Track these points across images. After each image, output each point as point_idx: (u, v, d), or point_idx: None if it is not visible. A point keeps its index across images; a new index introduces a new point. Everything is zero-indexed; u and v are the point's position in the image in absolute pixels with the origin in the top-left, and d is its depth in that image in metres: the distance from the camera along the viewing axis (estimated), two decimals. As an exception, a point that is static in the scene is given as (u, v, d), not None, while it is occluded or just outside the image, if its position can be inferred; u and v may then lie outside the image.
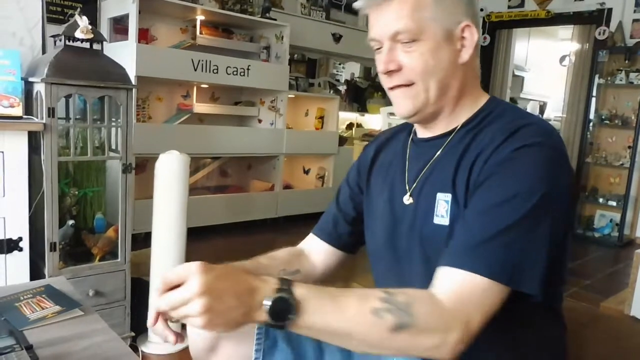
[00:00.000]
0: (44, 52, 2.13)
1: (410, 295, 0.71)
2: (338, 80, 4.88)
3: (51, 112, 1.60)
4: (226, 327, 0.66)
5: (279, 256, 1.02)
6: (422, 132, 0.95)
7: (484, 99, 0.90)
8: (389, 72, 0.85)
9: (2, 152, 1.54)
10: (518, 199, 0.74)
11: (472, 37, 0.85)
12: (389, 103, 4.54)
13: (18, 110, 1.60)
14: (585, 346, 0.98)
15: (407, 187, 0.92)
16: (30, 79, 1.69)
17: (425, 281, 0.84)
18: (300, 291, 0.67)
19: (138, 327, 1.92)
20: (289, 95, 3.94)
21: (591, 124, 4.48)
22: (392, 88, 0.87)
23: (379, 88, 5.15)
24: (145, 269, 1.98)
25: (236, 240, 3.45)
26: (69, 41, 1.71)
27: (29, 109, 1.74)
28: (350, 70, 5.05)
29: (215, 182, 4.05)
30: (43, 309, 0.99)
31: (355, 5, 0.88)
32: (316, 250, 1.08)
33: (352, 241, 1.09)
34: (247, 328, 0.97)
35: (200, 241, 3.20)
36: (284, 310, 0.66)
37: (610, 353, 1.09)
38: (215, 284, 0.64)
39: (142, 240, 2.55)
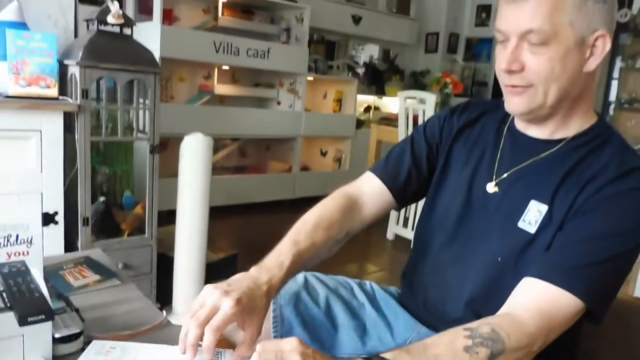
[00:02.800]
0: (76, 33, 2.22)
1: (493, 324, 0.72)
2: (357, 63, 4.90)
3: (85, 93, 1.69)
4: None
5: (334, 221, 0.96)
6: (523, 127, 0.92)
7: (593, 117, 0.89)
8: (510, 72, 0.82)
9: (40, 130, 1.63)
10: (624, 237, 0.78)
11: (604, 47, 0.81)
12: (406, 87, 4.53)
13: (54, 92, 1.69)
14: (591, 326, 1.03)
15: (494, 175, 0.92)
16: (65, 62, 1.77)
17: (481, 273, 0.88)
18: (391, 355, 0.67)
19: (163, 299, 2.04)
20: (308, 78, 3.98)
21: (611, 107, 4.46)
22: (508, 86, 0.85)
23: (397, 71, 5.16)
24: (169, 245, 2.07)
25: (255, 220, 3.55)
26: (100, 25, 1.79)
27: (62, 89, 1.83)
28: (369, 53, 5.05)
29: (235, 162, 4.14)
30: (84, 277, 1.09)
31: None
32: (373, 200, 1.02)
33: (411, 199, 1.06)
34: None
35: (221, 220, 3.30)
36: None
37: (616, 332, 1.14)
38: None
39: (164, 217, 2.65)
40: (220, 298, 0.71)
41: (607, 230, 0.78)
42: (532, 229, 0.83)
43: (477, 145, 0.97)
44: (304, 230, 0.92)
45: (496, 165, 0.92)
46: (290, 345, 0.63)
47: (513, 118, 0.95)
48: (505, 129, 0.95)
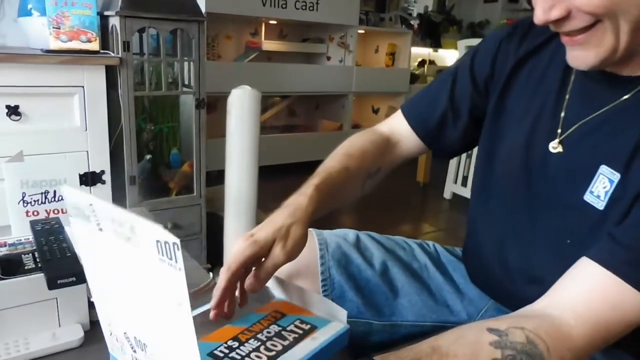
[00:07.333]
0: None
1: (529, 330, 0.55)
2: (410, 14, 4.64)
3: (126, 46, 1.60)
4: None
5: (368, 153, 0.84)
6: None
7: None
8: (555, 22, 0.60)
9: (83, 86, 1.57)
10: None
11: None
12: (465, 37, 4.24)
13: (95, 45, 1.61)
14: None
15: (558, 129, 0.71)
16: (105, 13, 1.69)
17: (550, 255, 0.71)
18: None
19: (213, 259, 1.99)
20: (359, 31, 3.79)
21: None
22: (564, 35, 0.62)
23: (454, 22, 4.86)
24: (219, 205, 2.01)
25: (305, 179, 3.46)
26: (140, -27, 1.69)
27: (104, 43, 1.75)
28: (423, 3, 4.79)
29: (284, 122, 4.05)
30: (127, 236, 1.02)
31: None
32: (405, 141, 0.90)
33: (451, 149, 0.91)
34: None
35: (270, 180, 3.23)
36: None
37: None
38: None
39: (215, 178, 2.60)
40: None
41: None
42: (601, 205, 0.64)
43: (541, 86, 0.75)
44: (333, 157, 0.82)
45: (561, 116, 0.71)
46: None
47: None
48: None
